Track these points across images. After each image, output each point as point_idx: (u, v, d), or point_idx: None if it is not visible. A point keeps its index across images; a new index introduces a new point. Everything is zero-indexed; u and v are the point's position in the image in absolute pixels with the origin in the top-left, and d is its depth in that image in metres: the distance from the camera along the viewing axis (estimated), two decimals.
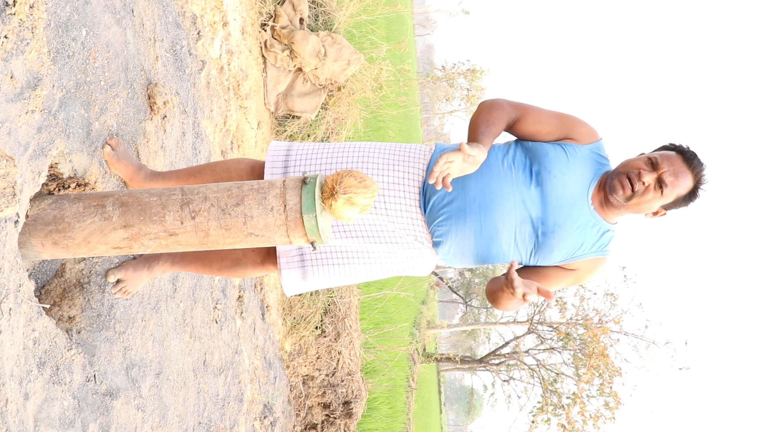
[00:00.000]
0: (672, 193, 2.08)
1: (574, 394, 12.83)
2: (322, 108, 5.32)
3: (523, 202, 2.11)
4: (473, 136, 2.08)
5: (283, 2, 4.92)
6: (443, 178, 1.90)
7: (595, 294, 13.67)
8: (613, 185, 2.10)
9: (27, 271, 1.92)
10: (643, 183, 2.06)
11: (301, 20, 5.01)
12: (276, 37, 4.82)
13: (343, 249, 2.26)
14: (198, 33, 3.29)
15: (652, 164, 2.08)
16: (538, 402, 13.80)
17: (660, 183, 2.07)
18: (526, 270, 2.23)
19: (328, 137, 5.55)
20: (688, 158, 2.08)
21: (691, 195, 2.12)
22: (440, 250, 2.20)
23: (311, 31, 5.15)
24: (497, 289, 2.15)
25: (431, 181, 1.90)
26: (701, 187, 2.11)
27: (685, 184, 2.08)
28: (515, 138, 2.24)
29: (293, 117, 5.15)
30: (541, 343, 14.82)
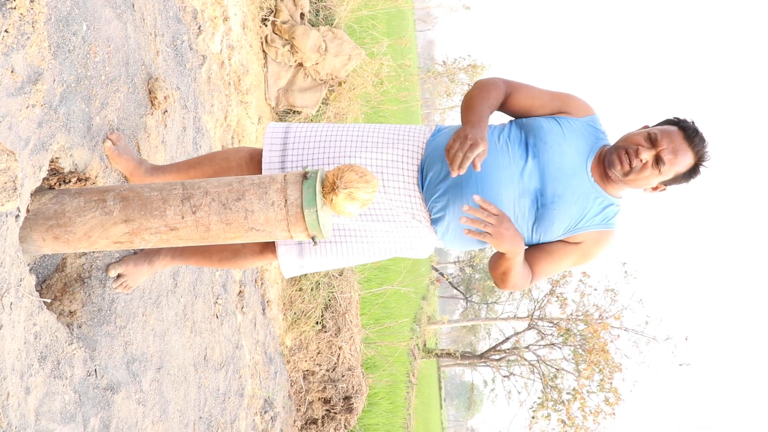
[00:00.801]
0: (670, 171, 2.06)
1: (574, 389, 12.84)
2: (322, 103, 5.32)
3: (521, 175, 2.09)
4: (473, 113, 2.06)
5: None
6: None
7: (595, 290, 13.67)
8: (612, 160, 2.08)
9: (28, 265, 1.92)
10: (641, 160, 2.04)
11: (302, 15, 5.00)
12: (277, 32, 4.81)
13: (341, 227, 2.25)
14: (199, 28, 3.28)
15: (652, 141, 2.05)
16: (539, 398, 13.82)
17: (658, 160, 2.04)
18: (530, 249, 2.20)
19: None
20: (690, 135, 2.05)
21: (692, 172, 2.09)
22: (438, 228, 2.18)
23: (312, 26, 5.14)
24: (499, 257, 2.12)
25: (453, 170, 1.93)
26: (703, 164, 2.08)
27: (685, 161, 2.06)
28: (510, 118, 2.25)
29: (294, 112, 5.14)
30: (542, 338, 14.83)
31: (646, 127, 2.17)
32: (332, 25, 5.41)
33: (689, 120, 2.10)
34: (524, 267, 2.14)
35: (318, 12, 5.46)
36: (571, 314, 13.81)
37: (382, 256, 2.32)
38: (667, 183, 2.13)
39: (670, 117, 2.16)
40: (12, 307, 1.54)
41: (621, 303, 13.56)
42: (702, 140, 2.06)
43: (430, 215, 2.18)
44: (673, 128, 2.08)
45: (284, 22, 4.81)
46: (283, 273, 2.33)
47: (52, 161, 1.86)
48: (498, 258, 2.12)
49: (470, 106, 2.10)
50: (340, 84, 5.37)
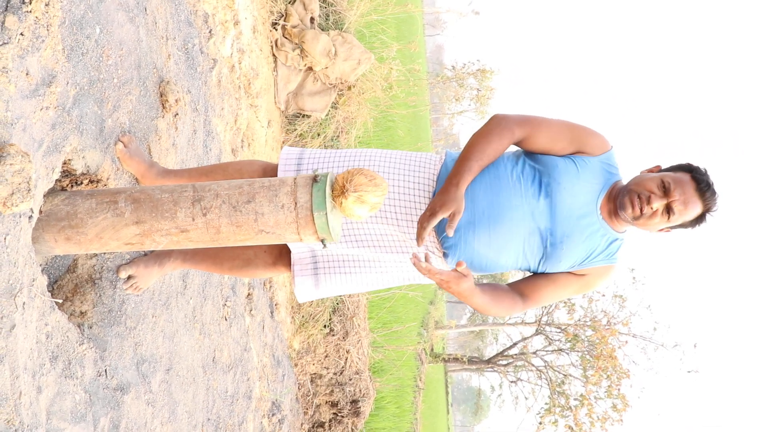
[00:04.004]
0: (679, 220, 2.09)
1: (581, 395, 12.81)
2: (332, 107, 5.34)
3: (532, 214, 2.12)
4: (462, 169, 2.09)
5: (294, 1, 4.93)
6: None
7: (603, 296, 13.63)
8: (623, 202, 2.10)
9: (40, 266, 1.94)
10: (651, 208, 2.07)
11: (312, 19, 5.02)
12: (287, 36, 4.83)
13: (355, 258, 2.28)
14: (210, 31, 3.31)
15: (665, 189, 2.07)
16: (546, 403, 13.79)
17: (668, 209, 2.07)
18: (535, 276, 2.24)
19: (338, 136, 5.57)
20: (702, 188, 2.08)
21: (698, 220, 2.13)
22: (450, 260, 2.21)
23: (322, 30, 5.16)
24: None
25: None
26: (710, 213, 2.12)
27: (694, 212, 2.09)
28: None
29: (303, 116, 5.16)
30: (549, 344, 14.80)
31: (659, 167, 2.18)
32: (342, 29, 5.43)
33: (702, 168, 2.12)
34: (499, 300, 2.18)
35: (328, 16, 5.48)
36: (579, 320, 13.78)
37: (394, 283, 2.35)
38: (672, 227, 2.15)
39: (683, 163, 2.17)
40: (25, 306, 1.56)
41: (629, 309, 13.53)
42: (713, 193, 2.09)
43: (442, 248, 2.20)
44: (686, 177, 2.10)
45: (294, 27, 4.83)
46: (297, 299, 2.36)
47: (65, 163, 1.88)
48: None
49: (466, 157, 2.13)
50: (349, 88, 5.38)
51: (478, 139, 2.15)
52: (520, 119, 2.16)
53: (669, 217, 2.08)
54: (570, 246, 2.13)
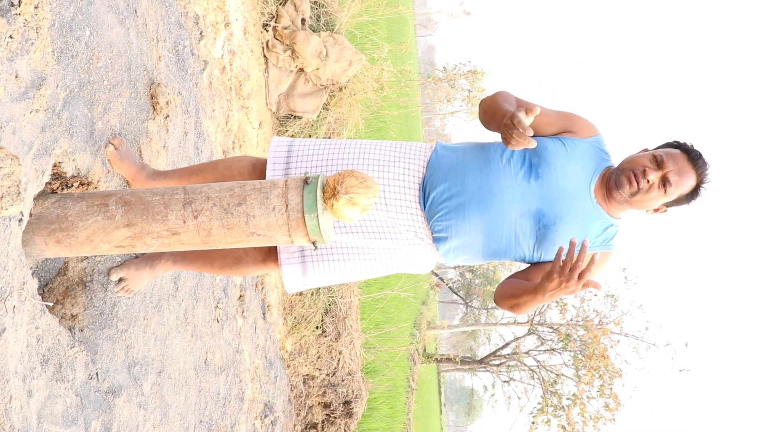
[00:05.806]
0: (675, 192, 2.10)
1: (574, 395, 12.84)
2: (323, 108, 5.33)
3: (523, 195, 2.12)
4: (501, 111, 2.07)
5: (285, 3, 4.93)
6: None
7: (595, 295, 13.64)
8: (619, 181, 2.11)
9: (30, 269, 1.93)
10: (648, 181, 2.08)
11: (303, 21, 5.02)
12: (278, 38, 4.83)
13: (343, 245, 2.27)
14: (200, 33, 3.30)
15: (657, 162, 2.09)
16: (539, 403, 13.81)
17: (664, 182, 2.08)
18: (532, 268, 2.23)
19: (330, 138, 5.57)
20: (693, 158, 2.10)
21: (693, 193, 2.14)
22: (441, 247, 2.21)
23: (313, 31, 5.16)
24: (526, 289, 2.08)
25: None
26: (703, 186, 2.13)
27: (689, 183, 2.10)
28: None
29: (295, 117, 5.16)
30: (542, 344, 14.83)
31: (645, 150, 2.20)
32: (333, 30, 5.43)
33: (689, 143, 2.15)
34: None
35: (319, 17, 5.47)
36: (571, 319, 13.80)
37: (384, 272, 2.35)
38: (669, 204, 2.17)
39: (670, 140, 2.20)
40: (15, 310, 1.55)
41: (621, 308, 13.57)
42: (705, 163, 2.11)
43: (432, 233, 2.20)
44: (676, 151, 2.13)
45: (285, 28, 4.83)
46: (286, 289, 2.36)
47: (55, 166, 1.87)
48: (530, 297, 2.07)
49: (495, 106, 2.12)
50: (340, 89, 5.38)
51: (493, 97, 2.18)
52: (511, 94, 2.21)
53: (666, 190, 2.09)
54: (563, 228, 2.12)
